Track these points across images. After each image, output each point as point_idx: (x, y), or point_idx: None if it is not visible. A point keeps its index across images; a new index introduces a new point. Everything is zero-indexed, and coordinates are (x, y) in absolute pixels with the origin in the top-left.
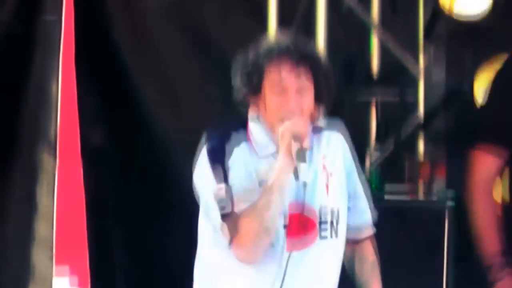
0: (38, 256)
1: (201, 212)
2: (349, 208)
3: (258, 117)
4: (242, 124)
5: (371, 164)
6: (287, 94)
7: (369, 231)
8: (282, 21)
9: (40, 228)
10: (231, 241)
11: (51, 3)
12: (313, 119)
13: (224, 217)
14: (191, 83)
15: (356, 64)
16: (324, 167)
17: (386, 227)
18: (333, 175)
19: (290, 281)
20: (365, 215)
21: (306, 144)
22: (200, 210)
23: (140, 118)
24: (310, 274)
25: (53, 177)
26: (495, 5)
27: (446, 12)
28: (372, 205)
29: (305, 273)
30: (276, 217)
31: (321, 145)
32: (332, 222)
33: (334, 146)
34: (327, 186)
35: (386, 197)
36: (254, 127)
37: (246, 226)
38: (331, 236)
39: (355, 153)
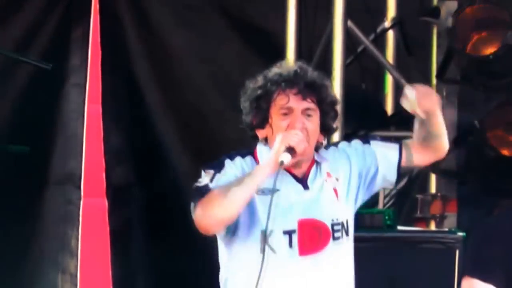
0: None
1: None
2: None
3: (265, 140)
4: (250, 153)
5: (384, 198)
6: (293, 114)
7: None
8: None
9: (66, 261)
10: (196, 204)
11: (77, 45)
12: (317, 145)
13: (198, 190)
14: (214, 120)
15: (371, 103)
16: (329, 174)
17: (398, 257)
18: (339, 180)
19: (308, 285)
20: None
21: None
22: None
23: (164, 154)
24: (327, 276)
25: (78, 211)
26: (506, 46)
27: (459, 53)
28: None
29: (322, 276)
30: (243, 196)
31: (327, 160)
32: (343, 223)
33: (338, 154)
34: (335, 191)
35: (399, 227)
36: (260, 149)
37: (214, 194)
38: (342, 236)
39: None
